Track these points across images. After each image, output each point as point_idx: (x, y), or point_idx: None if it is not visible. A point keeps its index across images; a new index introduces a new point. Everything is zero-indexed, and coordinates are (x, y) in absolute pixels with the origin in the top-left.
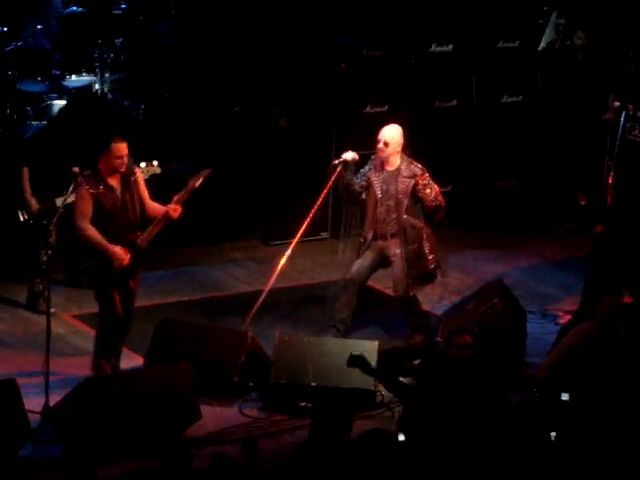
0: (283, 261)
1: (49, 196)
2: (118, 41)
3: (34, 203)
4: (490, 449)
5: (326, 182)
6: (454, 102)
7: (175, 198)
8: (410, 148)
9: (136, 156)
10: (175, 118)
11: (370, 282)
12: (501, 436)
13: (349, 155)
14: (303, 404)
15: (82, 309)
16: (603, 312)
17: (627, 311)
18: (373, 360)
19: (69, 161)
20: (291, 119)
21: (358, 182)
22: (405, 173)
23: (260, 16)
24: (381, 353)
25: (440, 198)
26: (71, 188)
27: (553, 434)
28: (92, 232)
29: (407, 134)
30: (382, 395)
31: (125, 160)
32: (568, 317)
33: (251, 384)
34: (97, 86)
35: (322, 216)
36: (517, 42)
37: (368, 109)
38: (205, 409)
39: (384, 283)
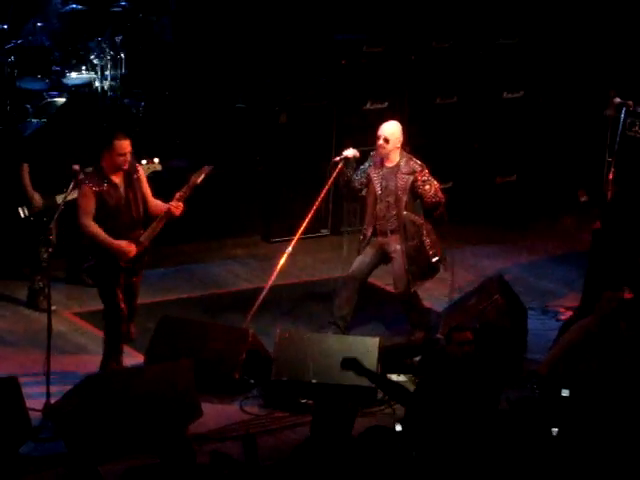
0: (284, 258)
1: (49, 193)
2: (118, 38)
3: (37, 198)
4: (490, 446)
5: (327, 179)
6: (454, 99)
7: (177, 195)
8: (410, 145)
9: (136, 153)
10: (175, 115)
11: (370, 279)
12: (501, 433)
13: (350, 152)
14: (304, 401)
15: (83, 307)
16: (604, 308)
17: (628, 307)
18: (374, 357)
19: (69, 159)
20: (291, 116)
21: (358, 179)
22: (404, 169)
23: (260, 12)
24: (382, 350)
25: (440, 194)
26: (71, 185)
27: (555, 430)
28: (96, 229)
29: (407, 131)
30: None
31: (128, 157)
32: (569, 313)
33: (252, 381)
34: (97, 83)
35: (323, 213)
36: (517, 39)
37: (368, 106)
38: (206, 406)
39: (384, 280)
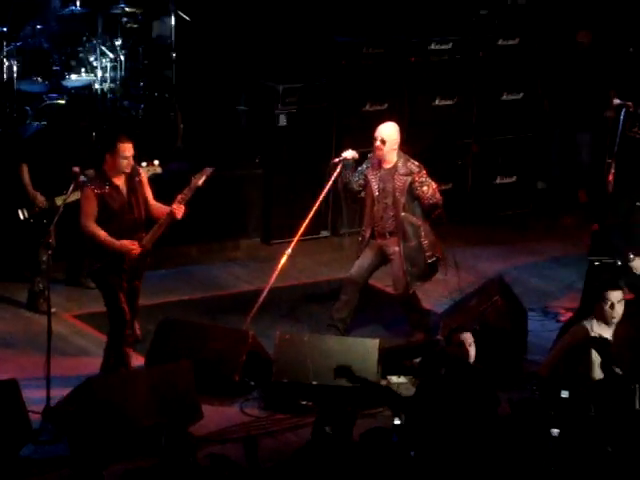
0: (284, 260)
1: (49, 196)
2: (117, 41)
3: (40, 197)
4: (490, 447)
5: (326, 180)
6: (454, 100)
7: (178, 198)
8: (410, 146)
9: (136, 155)
10: (175, 117)
11: (370, 280)
12: (501, 434)
13: (349, 153)
14: (304, 403)
15: (83, 309)
16: (603, 309)
17: (627, 307)
18: (374, 358)
19: (69, 161)
20: (291, 117)
21: (356, 180)
22: (402, 170)
23: (260, 14)
24: (382, 351)
25: (437, 195)
26: (71, 188)
27: (556, 431)
28: (98, 231)
29: (407, 132)
30: None
31: (131, 161)
32: (569, 314)
33: (252, 383)
34: (97, 86)
35: (323, 215)
36: (517, 39)
37: (368, 107)
38: (206, 408)
39: (384, 281)
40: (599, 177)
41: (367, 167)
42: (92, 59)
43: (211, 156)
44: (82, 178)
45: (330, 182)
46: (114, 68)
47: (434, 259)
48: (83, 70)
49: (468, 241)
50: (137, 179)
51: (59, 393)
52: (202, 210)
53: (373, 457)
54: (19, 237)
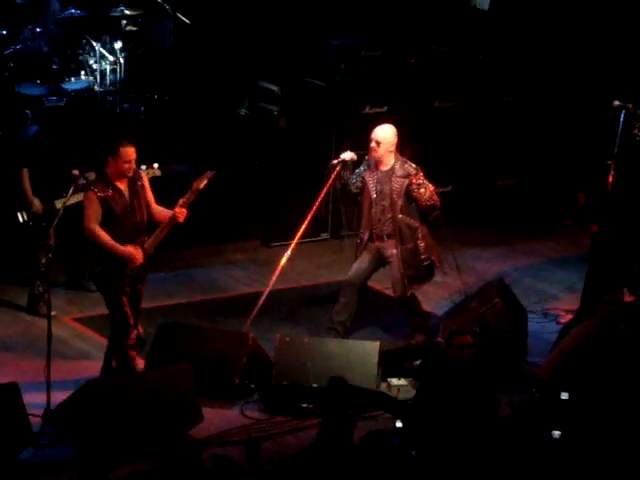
0: (283, 262)
1: (49, 198)
2: (117, 43)
3: (37, 203)
4: (491, 448)
5: (325, 182)
6: (454, 102)
7: (180, 201)
8: (410, 148)
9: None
10: (174, 120)
11: (370, 282)
12: (502, 437)
13: (347, 155)
14: (304, 405)
15: (83, 312)
16: (604, 311)
17: (628, 309)
18: (374, 361)
19: (69, 164)
20: (291, 120)
21: (354, 182)
22: (399, 173)
23: (259, 17)
24: (382, 354)
25: (435, 197)
26: (71, 190)
27: (557, 433)
28: (102, 235)
29: (407, 134)
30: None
31: (133, 165)
32: (569, 316)
33: (252, 386)
34: (96, 88)
35: (322, 217)
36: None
37: (367, 110)
38: (207, 411)
39: (384, 283)
40: (599, 179)
41: (365, 169)
42: (92, 62)
43: (211, 159)
44: (82, 181)
45: (328, 184)
46: (114, 71)
47: (429, 262)
48: (83, 73)
49: (468, 243)
50: (139, 183)
51: (59, 397)
52: (202, 213)
53: (374, 460)
54: (18, 240)
